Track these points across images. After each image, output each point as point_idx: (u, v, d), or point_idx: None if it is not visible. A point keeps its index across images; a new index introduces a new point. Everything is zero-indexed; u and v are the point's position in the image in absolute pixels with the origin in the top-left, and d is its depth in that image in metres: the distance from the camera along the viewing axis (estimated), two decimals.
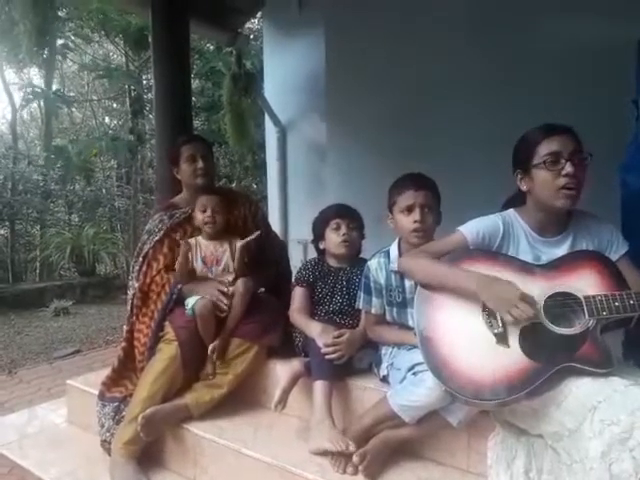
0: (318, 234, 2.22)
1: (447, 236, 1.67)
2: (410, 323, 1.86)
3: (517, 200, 1.66)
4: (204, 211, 2.29)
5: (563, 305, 1.43)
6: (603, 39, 2.98)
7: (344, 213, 2.17)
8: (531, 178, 1.54)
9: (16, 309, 5.96)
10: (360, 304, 2.00)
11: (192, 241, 2.32)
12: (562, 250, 1.55)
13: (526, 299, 1.39)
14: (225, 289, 2.20)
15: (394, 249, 1.94)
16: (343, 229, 2.13)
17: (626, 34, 1.88)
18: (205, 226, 2.29)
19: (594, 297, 1.39)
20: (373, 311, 1.96)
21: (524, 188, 1.58)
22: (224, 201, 2.35)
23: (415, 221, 1.81)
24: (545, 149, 1.49)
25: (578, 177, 1.47)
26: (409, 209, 1.83)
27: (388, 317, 1.96)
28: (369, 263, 1.99)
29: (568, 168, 1.46)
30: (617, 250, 1.56)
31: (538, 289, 1.45)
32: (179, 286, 2.25)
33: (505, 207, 1.70)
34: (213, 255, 2.30)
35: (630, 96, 1.86)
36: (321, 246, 2.22)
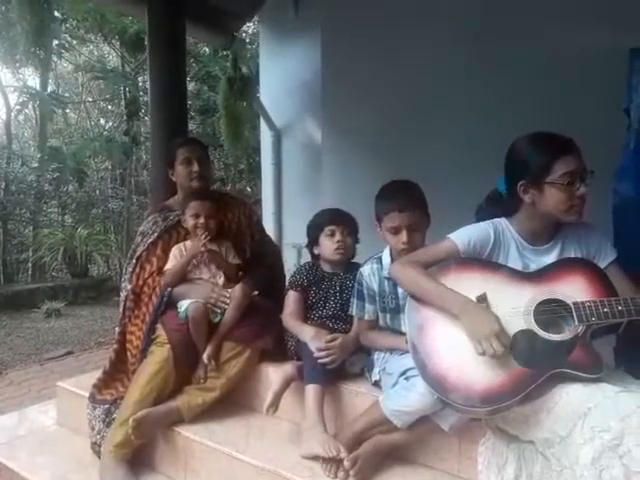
0: (312, 240, 2.22)
1: (438, 243, 1.67)
2: (403, 329, 1.86)
3: (497, 203, 1.67)
4: (196, 216, 2.28)
5: (553, 312, 1.44)
6: (595, 48, 3.01)
7: (338, 219, 2.16)
8: (541, 193, 1.51)
9: (7, 310, 5.93)
10: (353, 310, 2.00)
11: (181, 246, 2.32)
12: (551, 258, 1.56)
13: (500, 337, 1.36)
14: (227, 294, 2.20)
15: (386, 255, 1.95)
16: (338, 236, 2.13)
17: (618, 43, 1.90)
18: (197, 230, 2.29)
19: (583, 303, 1.39)
20: (366, 317, 1.96)
21: (527, 200, 1.55)
22: (215, 205, 2.35)
23: (403, 242, 1.80)
24: (562, 168, 1.46)
25: (586, 195, 1.48)
26: (396, 230, 1.82)
27: (381, 323, 1.97)
28: (362, 269, 1.99)
29: (582, 190, 1.46)
30: (605, 257, 1.57)
31: (528, 296, 1.45)
32: (169, 289, 2.25)
33: (484, 210, 1.71)
34: (203, 258, 2.30)
35: (622, 105, 1.87)
36: (315, 251, 2.22)
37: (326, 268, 2.20)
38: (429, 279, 1.56)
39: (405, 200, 1.82)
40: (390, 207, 1.82)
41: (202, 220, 2.27)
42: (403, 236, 1.80)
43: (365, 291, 1.96)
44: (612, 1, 2.96)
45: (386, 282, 1.92)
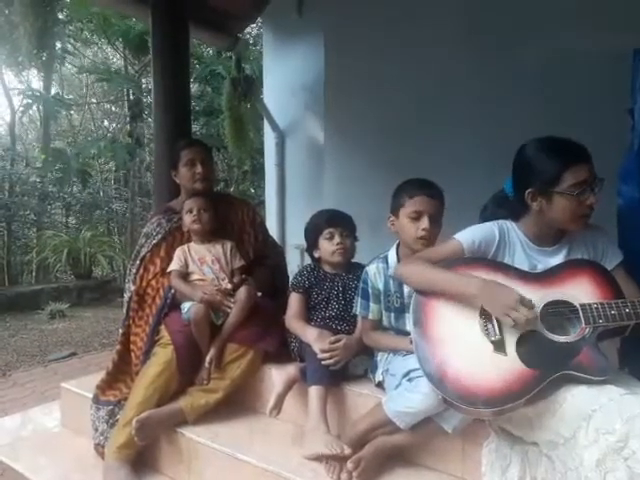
0: (311, 243, 2.21)
1: (443, 244, 1.67)
2: (407, 328, 1.86)
3: (504, 204, 1.68)
4: (190, 211, 2.29)
5: (560, 313, 1.43)
6: (599, 48, 3.00)
7: (337, 221, 2.15)
8: (549, 201, 1.50)
9: (11, 311, 5.94)
10: (357, 309, 2.00)
11: (185, 247, 2.32)
12: (558, 260, 1.56)
13: (525, 303, 1.38)
14: (232, 299, 2.18)
15: (392, 254, 1.95)
16: (337, 238, 2.12)
17: (622, 44, 1.90)
18: (192, 224, 2.29)
19: (590, 305, 1.39)
20: (370, 317, 1.96)
21: (535, 207, 1.54)
22: (210, 201, 2.35)
23: (423, 229, 1.79)
24: (572, 178, 1.45)
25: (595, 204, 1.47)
26: (418, 216, 1.81)
27: (385, 322, 1.96)
28: (367, 268, 1.99)
29: (592, 199, 1.45)
30: (611, 260, 1.56)
31: (534, 297, 1.44)
32: (173, 290, 2.25)
33: (489, 210, 1.71)
34: (205, 259, 2.30)
35: (626, 105, 1.87)
36: (316, 255, 2.21)
37: (328, 269, 2.20)
38: (438, 269, 1.56)
39: (434, 189, 1.85)
40: (419, 191, 1.82)
41: (195, 212, 2.28)
42: (425, 222, 1.79)
43: (370, 290, 1.95)
44: (615, 1, 2.96)
45: (391, 281, 1.92)
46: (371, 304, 1.95)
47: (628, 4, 2.78)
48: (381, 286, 1.94)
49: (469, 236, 1.61)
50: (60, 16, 6.53)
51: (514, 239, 1.61)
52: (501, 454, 1.51)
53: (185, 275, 2.28)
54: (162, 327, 2.19)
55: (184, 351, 2.10)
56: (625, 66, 1.83)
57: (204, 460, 1.93)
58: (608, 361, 1.36)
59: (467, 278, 1.49)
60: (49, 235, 7.92)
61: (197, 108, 8.23)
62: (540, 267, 1.56)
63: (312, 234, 2.20)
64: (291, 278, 2.30)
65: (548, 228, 1.57)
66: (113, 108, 10.93)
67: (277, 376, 2.02)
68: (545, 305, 1.44)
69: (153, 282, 2.32)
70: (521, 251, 1.59)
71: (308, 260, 2.35)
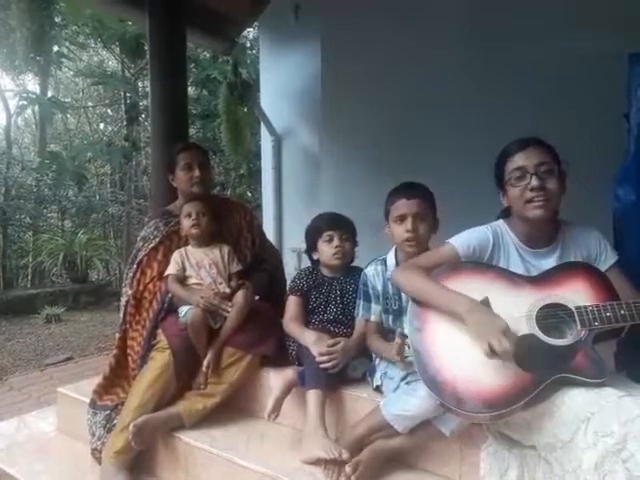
0: (311, 245, 2.22)
1: (438, 248, 1.68)
2: (405, 331, 1.86)
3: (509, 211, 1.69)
4: (189, 215, 2.29)
5: (555, 316, 1.43)
6: (599, 50, 3.00)
7: (336, 224, 2.16)
8: (507, 195, 1.59)
9: (7, 316, 5.92)
10: (359, 312, 2.00)
11: (182, 251, 2.32)
12: (551, 262, 1.56)
13: (507, 334, 1.35)
14: (229, 303, 2.18)
15: (391, 257, 1.96)
16: (336, 241, 2.13)
17: (622, 45, 1.91)
18: (191, 229, 2.29)
19: (585, 308, 1.39)
20: (373, 318, 1.97)
21: (505, 204, 1.63)
22: (209, 204, 2.34)
23: (407, 230, 1.82)
24: (511, 165, 1.55)
25: (546, 188, 1.49)
26: (402, 218, 1.85)
27: (383, 324, 1.97)
28: (366, 270, 2.00)
29: (534, 182, 1.49)
30: (606, 260, 1.57)
31: (530, 300, 1.45)
32: (170, 294, 2.24)
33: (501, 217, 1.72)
34: (203, 263, 2.30)
35: (622, 109, 1.88)
36: (314, 257, 2.22)
37: (326, 272, 2.20)
38: (431, 281, 1.56)
39: (413, 190, 1.87)
40: (398, 196, 1.87)
41: (194, 216, 2.28)
42: (408, 224, 1.82)
43: (370, 291, 1.97)
44: (611, 6, 2.97)
45: (390, 283, 1.92)
46: (372, 305, 1.97)
47: (628, 5, 2.80)
48: (380, 288, 1.95)
49: (464, 241, 1.62)
50: (56, 19, 6.52)
51: (508, 242, 1.62)
52: (499, 457, 1.51)
53: (182, 279, 2.27)
54: (159, 331, 2.18)
55: (181, 355, 2.09)
56: (625, 67, 1.84)
57: (201, 465, 1.92)
58: (604, 363, 1.36)
59: (456, 296, 1.48)
60: (45, 239, 7.88)
61: (194, 111, 8.22)
62: (533, 269, 1.57)
63: (312, 236, 2.20)
64: (289, 281, 2.30)
65: (530, 226, 1.57)
66: (109, 111, 10.90)
67: (275, 380, 2.02)
68: (541, 308, 1.44)
69: (150, 286, 2.31)
70: (516, 254, 1.60)
71: (305, 263, 2.35)
